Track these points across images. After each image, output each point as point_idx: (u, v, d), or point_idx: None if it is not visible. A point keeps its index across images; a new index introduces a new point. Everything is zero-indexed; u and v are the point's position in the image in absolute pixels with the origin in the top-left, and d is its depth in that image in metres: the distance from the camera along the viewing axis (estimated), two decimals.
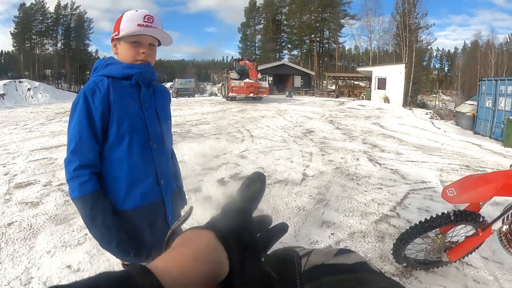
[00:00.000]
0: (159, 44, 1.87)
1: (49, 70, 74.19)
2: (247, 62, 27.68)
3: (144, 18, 1.71)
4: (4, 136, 11.38)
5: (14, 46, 73.50)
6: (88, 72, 70.22)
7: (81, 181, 1.55)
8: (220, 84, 39.14)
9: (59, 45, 74.33)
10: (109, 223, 1.59)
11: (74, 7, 75.88)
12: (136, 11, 1.75)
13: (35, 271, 3.11)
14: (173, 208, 1.86)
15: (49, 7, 73.79)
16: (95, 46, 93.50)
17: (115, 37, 1.75)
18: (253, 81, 25.99)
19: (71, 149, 1.58)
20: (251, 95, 25.71)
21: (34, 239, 3.77)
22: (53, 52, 73.77)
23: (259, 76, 27.68)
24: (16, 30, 71.62)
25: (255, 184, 0.59)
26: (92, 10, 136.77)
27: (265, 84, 27.68)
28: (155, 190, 1.76)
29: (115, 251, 1.65)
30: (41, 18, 72.90)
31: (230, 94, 26.16)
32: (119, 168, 1.66)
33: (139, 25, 1.69)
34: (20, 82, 36.83)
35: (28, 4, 72.11)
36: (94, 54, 76.94)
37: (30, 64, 70.08)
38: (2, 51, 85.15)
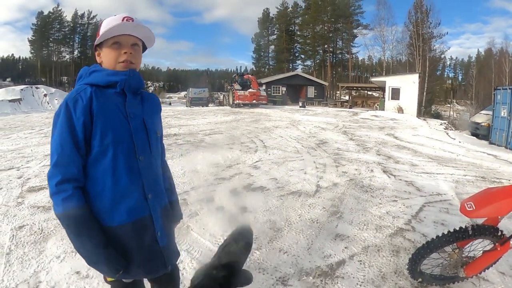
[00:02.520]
0: (145, 49, 1.83)
1: (66, 77, 75.81)
2: (250, 76, 37.97)
3: (122, 20, 1.65)
4: (20, 140, 11.62)
5: (31, 53, 75.63)
6: None
7: (64, 196, 1.47)
8: (222, 96, 45.79)
9: (75, 53, 76.16)
10: (96, 240, 1.51)
11: (91, 16, 77.60)
12: (115, 15, 1.71)
13: (43, 275, 3.12)
14: (162, 224, 1.75)
15: (66, 15, 75.86)
16: None
17: (96, 45, 1.70)
18: (255, 90, 34.01)
19: (53, 163, 1.50)
20: (254, 101, 32.64)
21: (44, 243, 3.79)
22: (70, 59, 75.33)
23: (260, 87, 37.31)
24: (33, 37, 73.44)
25: (237, 244, 0.52)
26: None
27: (264, 93, 35.74)
28: (142, 205, 1.66)
29: (103, 269, 1.60)
30: (58, 26, 74.68)
31: (237, 101, 32.77)
32: (103, 182, 1.57)
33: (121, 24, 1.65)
34: (36, 88, 37.55)
35: (46, 13, 73.94)
36: None
37: (47, 71, 71.84)
38: (19, 57, 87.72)
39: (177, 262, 2.02)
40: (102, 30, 1.65)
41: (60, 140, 1.51)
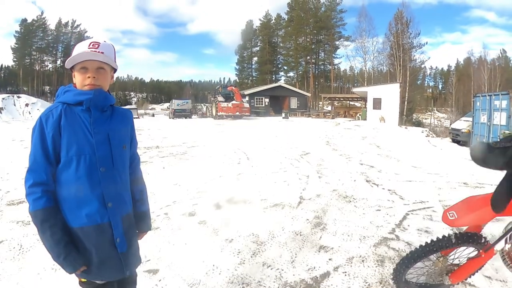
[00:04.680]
0: (115, 70, 2.04)
1: (48, 87, 75.66)
2: (233, 88, 38.97)
3: (89, 45, 1.86)
4: None
5: (14, 61, 75.56)
6: None
7: (34, 197, 1.70)
8: (205, 108, 45.92)
9: (58, 62, 76.07)
10: (58, 237, 1.70)
11: (75, 25, 77.45)
12: (84, 40, 1.94)
13: None
14: (124, 232, 1.90)
15: (50, 24, 75.71)
16: None
17: (70, 68, 1.90)
18: (238, 102, 35.15)
19: (28, 169, 1.74)
20: (237, 113, 34.08)
21: (23, 259, 3.68)
22: (52, 68, 75.09)
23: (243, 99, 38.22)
24: (16, 45, 73.06)
25: None
26: (92, 29, 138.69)
27: (247, 105, 36.85)
28: (101, 213, 1.81)
29: (63, 264, 1.73)
30: (41, 34, 74.63)
31: (220, 113, 33.97)
32: (67, 188, 1.77)
33: (84, 52, 1.85)
34: (18, 97, 37.48)
35: (29, 20, 73.46)
36: None
37: (29, 80, 71.76)
38: (2, 65, 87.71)
39: (136, 269, 2.14)
40: (72, 55, 1.85)
41: (34, 150, 1.74)
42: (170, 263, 3.59)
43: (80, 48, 1.86)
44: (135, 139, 2.14)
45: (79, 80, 1.85)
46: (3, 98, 35.20)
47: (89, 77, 1.84)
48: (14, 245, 4.02)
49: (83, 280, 1.89)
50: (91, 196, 1.79)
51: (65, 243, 1.71)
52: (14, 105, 35.37)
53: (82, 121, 1.81)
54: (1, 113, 32.47)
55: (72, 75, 1.91)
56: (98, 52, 1.85)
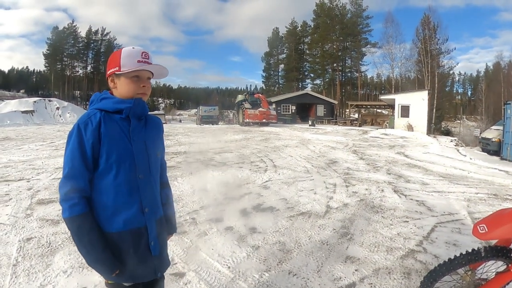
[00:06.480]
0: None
1: (78, 92, 78.06)
2: (260, 95, 39.10)
3: (141, 55, 1.89)
4: (31, 151, 11.98)
5: (45, 66, 78.33)
6: None
7: (71, 203, 1.70)
8: (231, 114, 45.65)
9: (88, 68, 78.83)
10: (94, 243, 1.72)
11: (105, 33, 79.88)
12: (133, 48, 1.92)
13: None
14: (157, 235, 1.95)
15: (80, 31, 79.05)
16: None
17: (116, 73, 1.89)
18: (265, 109, 35.21)
19: (64, 174, 1.74)
20: (264, 120, 34.04)
21: (51, 257, 3.84)
22: (83, 74, 77.49)
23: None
24: (48, 51, 75.66)
25: None
26: (121, 36, 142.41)
27: (273, 112, 36.58)
28: (138, 218, 1.86)
29: (100, 269, 1.77)
30: (72, 41, 77.16)
31: (247, 120, 34.09)
32: (106, 195, 1.79)
33: (139, 61, 1.87)
34: (49, 100, 38.83)
35: (61, 28, 76.18)
36: None
37: (60, 85, 74.17)
38: (34, 70, 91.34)
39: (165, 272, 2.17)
40: (123, 61, 1.87)
41: (71, 156, 1.75)
42: (196, 268, 3.67)
43: (133, 56, 1.88)
44: (163, 146, 2.19)
45: (131, 88, 1.87)
46: (35, 101, 36.44)
47: (144, 86, 1.90)
48: (43, 242, 4.21)
49: (110, 282, 1.91)
50: (130, 202, 1.84)
51: (102, 248, 1.74)
52: (45, 108, 36.53)
53: (121, 129, 1.84)
54: (32, 115, 33.54)
55: (110, 80, 1.92)
56: (151, 63, 1.91)
